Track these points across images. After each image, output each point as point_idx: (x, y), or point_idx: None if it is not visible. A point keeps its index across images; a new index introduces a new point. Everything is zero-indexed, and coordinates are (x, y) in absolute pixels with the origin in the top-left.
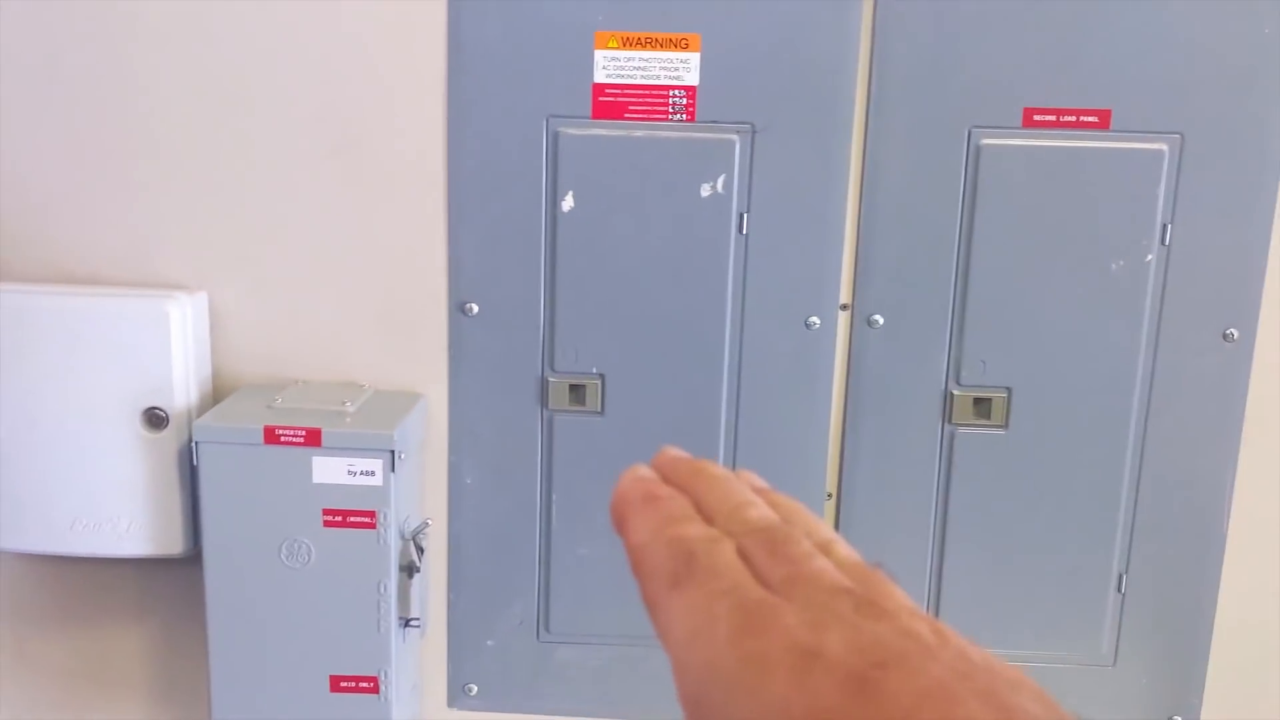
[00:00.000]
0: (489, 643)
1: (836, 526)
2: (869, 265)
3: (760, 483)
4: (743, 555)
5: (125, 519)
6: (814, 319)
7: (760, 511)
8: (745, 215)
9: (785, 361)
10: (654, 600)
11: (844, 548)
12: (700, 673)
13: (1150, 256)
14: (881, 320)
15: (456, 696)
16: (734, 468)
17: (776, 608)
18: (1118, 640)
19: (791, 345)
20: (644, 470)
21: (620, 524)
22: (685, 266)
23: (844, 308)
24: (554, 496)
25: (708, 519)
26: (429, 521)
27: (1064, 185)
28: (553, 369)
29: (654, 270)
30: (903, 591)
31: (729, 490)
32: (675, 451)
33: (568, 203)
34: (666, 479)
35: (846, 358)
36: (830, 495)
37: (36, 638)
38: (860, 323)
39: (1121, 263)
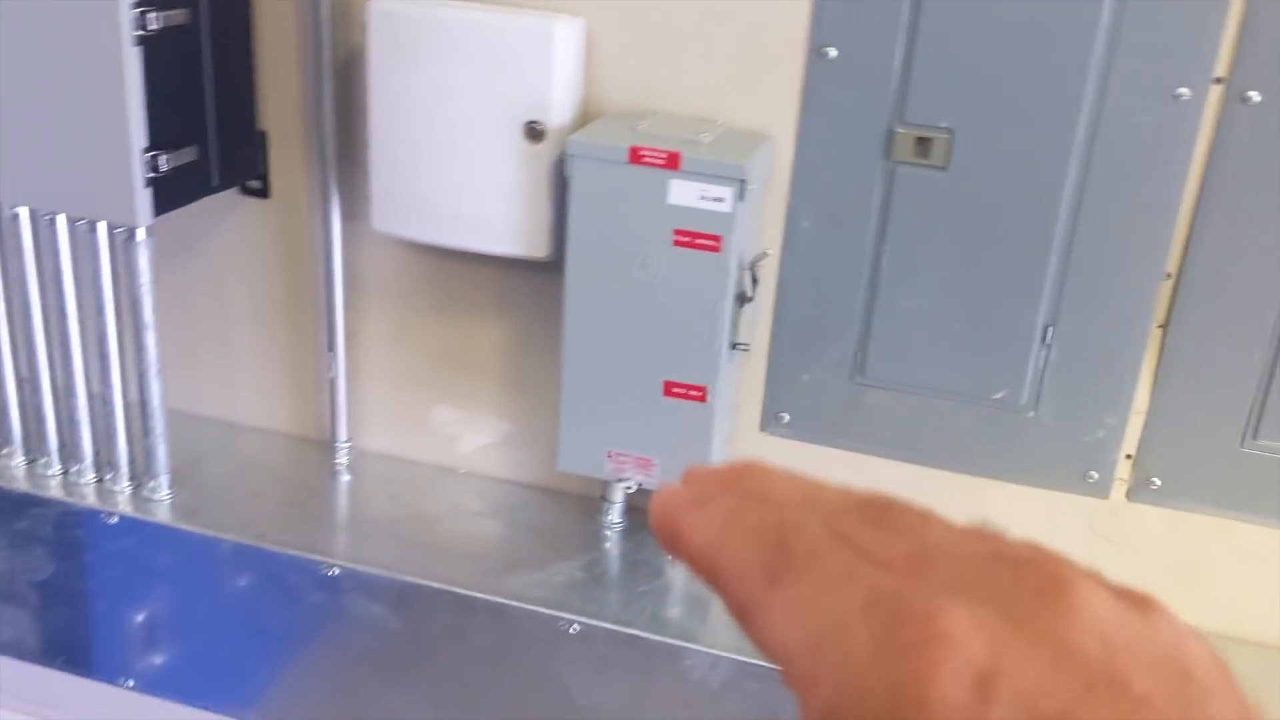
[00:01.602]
0: (805, 377)
1: (1170, 308)
2: (1253, 37)
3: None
4: (839, 539)
5: (501, 221)
6: (1183, 91)
7: (839, 491)
8: None
9: (1144, 132)
10: (747, 604)
11: (943, 518)
12: (835, 695)
13: None
14: (1257, 97)
15: (769, 422)
16: (1069, 243)
17: (927, 600)
18: None
19: (1153, 116)
20: (673, 485)
21: (673, 538)
22: (1051, 23)
23: (1217, 81)
24: (886, 247)
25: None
26: (768, 252)
27: None
28: (902, 120)
29: (1018, 25)
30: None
31: (792, 479)
32: (706, 466)
33: None
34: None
35: (1211, 134)
36: (1169, 275)
37: (415, 321)
38: (1233, 98)
39: None
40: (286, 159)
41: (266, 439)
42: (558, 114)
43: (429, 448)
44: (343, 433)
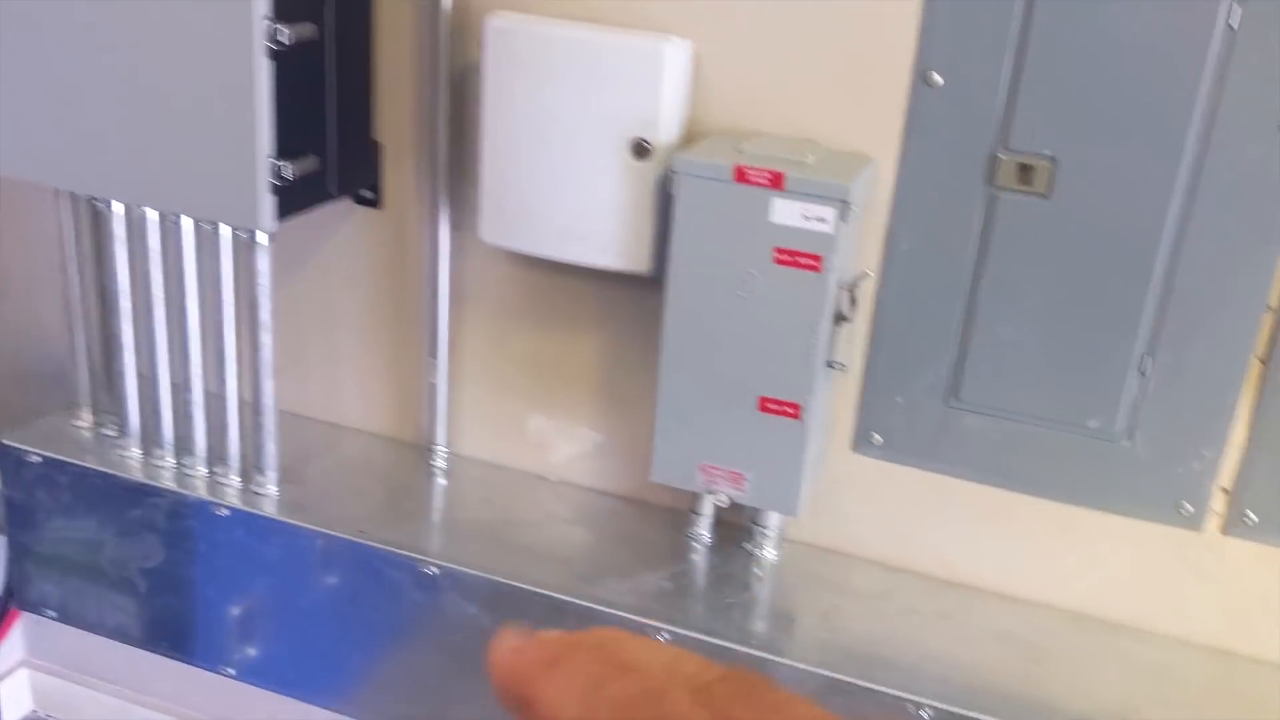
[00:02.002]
0: (898, 399)
1: (1272, 342)
2: None
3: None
4: (709, 712)
5: (606, 235)
6: None
7: (701, 661)
8: (1237, 6)
9: (1249, 164)
10: None
11: (806, 701)
12: None
13: None
14: None
15: (861, 442)
16: (1170, 274)
17: None
18: None
19: (1260, 148)
20: (518, 638)
21: (525, 700)
22: (1158, 54)
23: None
24: (984, 273)
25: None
26: (868, 273)
27: None
28: (1005, 147)
29: (1125, 55)
30: None
31: (652, 645)
32: (549, 633)
33: None
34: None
35: None
36: (1271, 309)
37: (513, 332)
38: None
39: None
40: (399, 170)
41: (368, 441)
42: (665, 132)
43: (522, 455)
44: (441, 437)
